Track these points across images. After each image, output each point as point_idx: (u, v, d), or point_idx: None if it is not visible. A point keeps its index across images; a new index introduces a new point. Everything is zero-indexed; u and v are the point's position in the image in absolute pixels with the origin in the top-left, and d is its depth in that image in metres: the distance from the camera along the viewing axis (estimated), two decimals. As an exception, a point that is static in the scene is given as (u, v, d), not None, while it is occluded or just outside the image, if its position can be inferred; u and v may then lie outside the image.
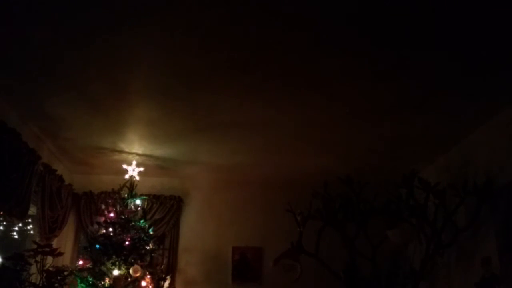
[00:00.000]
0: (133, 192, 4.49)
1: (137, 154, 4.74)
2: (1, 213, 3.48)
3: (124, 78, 3.26)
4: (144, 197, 4.74)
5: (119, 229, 4.16)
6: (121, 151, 4.68)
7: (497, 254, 3.50)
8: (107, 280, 3.97)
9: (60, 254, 3.90)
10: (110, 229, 4.16)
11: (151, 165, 4.98)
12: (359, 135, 4.21)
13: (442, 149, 4.44)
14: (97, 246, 4.08)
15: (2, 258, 3.37)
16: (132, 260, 4.07)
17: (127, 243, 4.10)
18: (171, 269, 5.06)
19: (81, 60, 3.02)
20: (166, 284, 4.50)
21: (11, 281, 3.29)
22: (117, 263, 4.00)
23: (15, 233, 4.00)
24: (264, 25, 2.64)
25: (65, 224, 4.73)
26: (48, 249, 3.70)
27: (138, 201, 4.53)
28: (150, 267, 4.29)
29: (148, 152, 4.69)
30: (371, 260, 4.20)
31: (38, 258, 3.63)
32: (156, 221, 5.14)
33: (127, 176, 4.52)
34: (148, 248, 4.29)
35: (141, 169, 4.61)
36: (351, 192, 4.25)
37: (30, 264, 3.53)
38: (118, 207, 4.35)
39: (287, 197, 4.57)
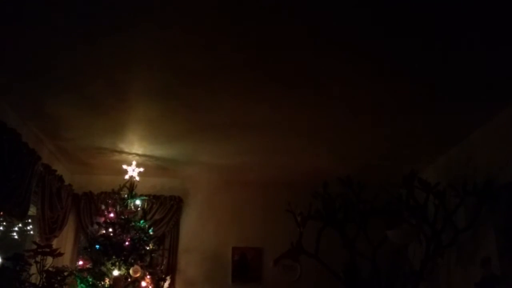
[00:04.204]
0: (133, 193, 4.49)
1: (137, 155, 4.74)
2: (1, 213, 3.48)
3: (124, 78, 3.26)
4: (144, 197, 4.73)
5: (119, 230, 4.16)
6: (121, 152, 4.68)
7: (497, 254, 3.51)
8: (107, 280, 3.97)
9: (60, 254, 3.89)
10: (110, 230, 4.16)
11: (151, 166, 4.98)
12: (359, 135, 4.21)
13: (442, 149, 4.44)
14: (97, 246, 4.08)
15: (2, 258, 3.37)
16: (132, 261, 4.07)
17: (127, 243, 4.10)
18: (171, 270, 5.06)
19: (81, 60, 3.02)
20: (166, 284, 4.50)
21: (11, 281, 3.29)
22: (117, 263, 4.00)
23: (15, 233, 4.00)
24: (264, 25, 2.64)
25: (65, 224, 4.73)
26: (48, 250, 3.70)
27: (138, 202, 4.53)
28: (150, 268, 4.29)
29: (148, 152, 4.69)
30: (371, 260, 4.20)
31: (38, 258, 3.63)
32: (156, 222, 5.14)
33: (127, 177, 4.52)
34: (148, 248, 4.29)
35: (141, 169, 4.61)
36: (351, 193, 4.25)
37: (30, 265, 3.53)
38: (118, 207, 4.34)
39: (287, 198, 4.57)
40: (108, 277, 3.99)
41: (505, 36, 2.69)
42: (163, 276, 4.52)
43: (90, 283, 3.95)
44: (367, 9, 2.48)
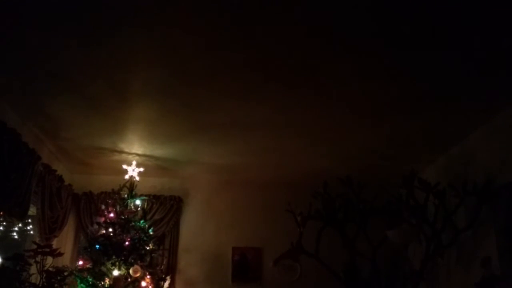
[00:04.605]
0: (133, 193, 4.49)
1: (137, 155, 4.74)
2: (1, 213, 3.48)
3: (124, 78, 3.26)
4: (144, 197, 4.73)
5: (119, 230, 4.16)
6: (121, 152, 4.68)
7: (497, 254, 3.51)
8: (107, 280, 3.97)
9: (60, 254, 3.89)
10: (110, 230, 4.16)
11: (151, 165, 4.98)
12: (359, 135, 4.21)
13: (442, 149, 4.45)
14: (97, 246, 4.08)
15: (2, 258, 3.37)
16: (132, 261, 4.07)
17: (127, 243, 4.10)
18: (171, 270, 5.06)
19: (81, 60, 3.01)
20: (166, 284, 4.50)
21: (11, 281, 3.29)
22: (117, 263, 4.00)
23: (15, 233, 4.00)
24: (264, 25, 2.64)
25: (65, 224, 4.73)
26: (48, 250, 3.70)
27: (138, 202, 4.53)
28: (150, 268, 4.29)
29: (148, 152, 4.69)
30: (371, 260, 4.20)
31: (38, 258, 3.63)
32: (156, 221, 5.14)
33: (127, 176, 4.52)
34: (148, 248, 4.29)
35: (141, 169, 4.61)
36: (351, 193, 4.25)
37: (30, 265, 3.53)
38: (118, 207, 4.34)
39: (287, 198, 4.57)
40: (108, 277, 3.98)
41: (505, 36, 2.69)
42: (163, 276, 4.52)
43: (90, 283, 3.95)
44: (368, 10, 2.48)
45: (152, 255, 4.41)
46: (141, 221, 4.43)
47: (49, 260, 3.78)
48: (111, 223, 4.19)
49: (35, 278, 3.73)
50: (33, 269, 3.65)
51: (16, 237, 4.02)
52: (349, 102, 3.58)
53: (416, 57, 2.93)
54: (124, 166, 4.56)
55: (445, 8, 2.46)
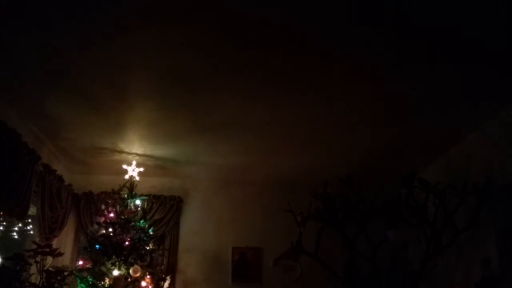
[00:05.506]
0: (133, 192, 4.49)
1: (137, 155, 4.74)
2: (1, 213, 3.48)
3: (124, 78, 3.26)
4: (144, 197, 4.73)
5: (119, 230, 4.16)
6: (121, 152, 4.68)
7: (497, 254, 3.51)
8: (107, 280, 3.97)
9: (60, 254, 3.89)
10: (110, 230, 4.15)
11: (151, 165, 4.98)
12: (359, 135, 4.21)
13: (442, 149, 4.44)
14: (97, 246, 4.08)
15: (2, 258, 3.37)
16: (132, 260, 4.06)
17: (127, 243, 4.10)
18: (171, 269, 5.06)
19: (81, 60, 3.02)
20: (166, 284, 4.50)
21: (11, 281, 3.29)
22: (117, 263, 4.00)
23: (15, 233, 4.00)
24: (263, 26, 2.64)
25: (65, 224, 4.73)
26: (48, 249, 3.70)
27: (138, 201, 4.53)
28: (150, 267, 4.29)
29: (148, 152, 4.70)
30: (371, 260, 4.20)
31: (38, 258, 3.63)
32: (156, 221, 5.14)
33: (127, 176, 4.52)
34: (148, 248, 4.29)
35: (141, 169, 4.61)
36: (351, 192, 4.25)
37: (30, 264, 3.53)
38: (118, 207, 4.34)
39: (287, 197, 4.57)
40: (108, 277, 3.98)
41: (504, 36, 2.69)
42: (163, 276, 4.52)
43: (90, 283, 3.95)
44: (367, 15, 2.48)
45: (152, 255, 4.41)
46: (141, 221, 4.43)
47: (49, 260, 3.78)
48: (111, 223, 4.19)
49: (35, 278, 3.74)
50: (33, 269, 3.65)
51: (16, 237, 4.02)
52: (349, 103, 3.58)
53: (415, 58, 2.93)
54: (124, 166, 4.56)
55: (443, 9, 2.45)
